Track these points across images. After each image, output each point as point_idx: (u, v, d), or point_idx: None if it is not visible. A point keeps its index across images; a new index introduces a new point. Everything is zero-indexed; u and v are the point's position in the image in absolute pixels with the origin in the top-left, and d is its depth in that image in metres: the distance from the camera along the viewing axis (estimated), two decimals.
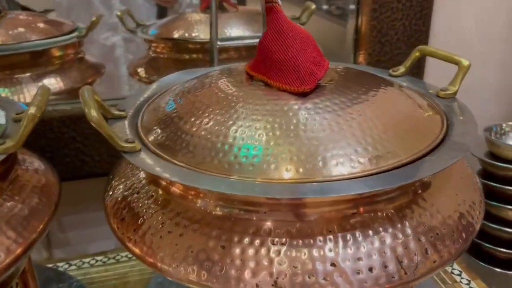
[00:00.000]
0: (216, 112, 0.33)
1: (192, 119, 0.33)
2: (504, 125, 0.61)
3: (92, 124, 0.30)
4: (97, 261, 0.54)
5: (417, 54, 0.44)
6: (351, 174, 0.29)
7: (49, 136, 0.53)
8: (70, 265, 0.54)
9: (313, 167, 0.29)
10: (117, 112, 0.36)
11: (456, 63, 0.40)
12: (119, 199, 0.34)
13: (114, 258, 0.54)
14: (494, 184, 0.58)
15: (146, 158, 0.31)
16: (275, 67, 0.34)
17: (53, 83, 0.62)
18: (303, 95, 0.33)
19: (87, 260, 0.54)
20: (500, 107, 0.70)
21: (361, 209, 0.29)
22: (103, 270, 0.53)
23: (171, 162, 0.31)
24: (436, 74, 0.58)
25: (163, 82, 0.43)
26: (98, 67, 0.68)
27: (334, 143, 0.30)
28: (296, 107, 0.32)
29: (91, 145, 0.54)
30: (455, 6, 0.62)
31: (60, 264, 0.54)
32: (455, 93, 0.40)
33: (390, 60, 0.59)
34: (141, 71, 0.65)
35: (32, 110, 0.31)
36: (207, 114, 0.33)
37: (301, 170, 0.29)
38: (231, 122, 0.32)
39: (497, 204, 0.58)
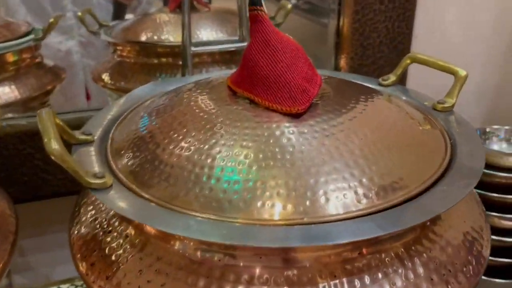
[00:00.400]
0: (199, 138, 0.28)
1: (171, 147, 0.29)
2: (488, 129, 0.59)
3: (53, 159, 0.25)
4: None
5: (408, 61, 0.41)
6: (358, 211, 0.25)
7: (4, 153, 0.48)
8: None
9: (314, 204, 0.25)
10: (82, 137, 0.31)
11: (453, 73, 0.37)
12: (87, 238, 0.30)
13: (82, 285, 0.49)
14: (480, 191, 0.56)
15: (118, 197, 0.26)
16: (263, 83, 0.30)
17: (7, 92, 0.55)
18: (295, 115, 0.29)
19: None
20: (481, 108, 0.68)
21: (368, 249, 0.26)
22: None
23: (147, 199, 0.27)
24: (418, 78, 0.56)
25: (133, 96, 0.38)
26: (58, 72, 0.62)
27: (337, 174, 0.26)
28: (289, 130, 0.28)
29: (53, 163, 0.49)
30: (437, 7, 0.60)
31: None
32: (453, 105, 0.37)
33: (372, 64, 0.56)
34: (105, 77, 0.60)
35: None
36: (189, 140, 0.29)
37: (301, 208, 0.25)
38: (216, 149, 0.27)
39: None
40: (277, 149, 0.27)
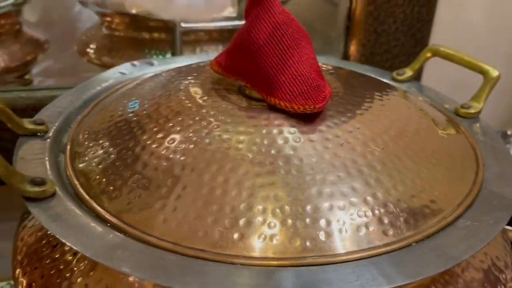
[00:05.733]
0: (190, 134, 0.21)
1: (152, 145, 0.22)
2: (509, 131, 0.52)
3: None
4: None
5: (428, 55, 0.33)
6: (386, 246, 0.18)
7: None
8: None
9: (321, 238, 0.18)
10: (31, 127, 0.24)
11: (482, 72, 0.30)
12: (31, 250, 0.23)
13: None
14: None
15: (56, 212, 0.19)
16: (266, 73, 0.23)
17: None
18: (301, 118, 0.22)
19: None
20: (501, 107, 0.60)
21: None
22: None
23: (98, 215, 0.20)
24: (434, 74, 0.48)
25: (101, 80, 0.30)
26: (41, 41, 0.55)
27: (357, 197, 0.19)
28: (295, 138, 0.21)
29: None
30: None
31: None
32: (480, 111, 0.30)
33: (386, 52, 0.48)
34: (91, 51, 0.52)
35: None
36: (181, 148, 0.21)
37: (305, 243, 0.18)
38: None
39: None
40: (280, 162, 0.20)
